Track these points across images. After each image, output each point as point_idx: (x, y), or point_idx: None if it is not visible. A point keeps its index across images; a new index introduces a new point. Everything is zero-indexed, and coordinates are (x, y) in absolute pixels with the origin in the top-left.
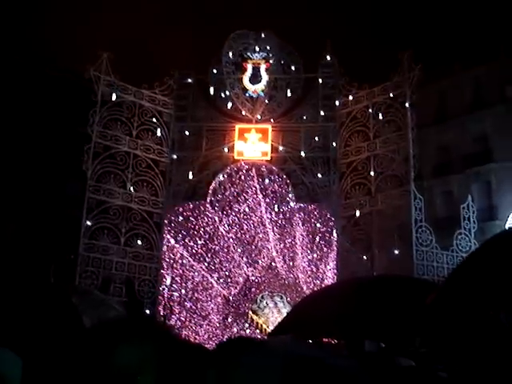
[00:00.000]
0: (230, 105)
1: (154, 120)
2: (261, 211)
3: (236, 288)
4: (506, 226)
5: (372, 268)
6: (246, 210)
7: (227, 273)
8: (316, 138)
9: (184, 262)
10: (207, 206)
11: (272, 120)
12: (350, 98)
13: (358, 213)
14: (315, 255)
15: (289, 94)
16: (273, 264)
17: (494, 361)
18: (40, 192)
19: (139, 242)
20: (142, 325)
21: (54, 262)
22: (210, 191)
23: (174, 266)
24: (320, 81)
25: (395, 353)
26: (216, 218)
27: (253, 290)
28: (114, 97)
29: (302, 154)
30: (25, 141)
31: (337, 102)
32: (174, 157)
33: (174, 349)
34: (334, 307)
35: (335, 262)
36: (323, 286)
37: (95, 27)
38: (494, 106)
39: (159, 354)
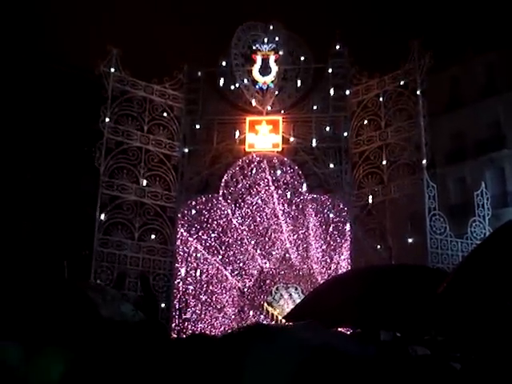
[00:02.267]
0: (240, 97)
1: (165, 114)
2: (273, 203)
3: (250, 280)
4: None
5: (386, 257)
6: (259, 202)
7: (241, 265)
8: (327, 128)
9: (198, 255)
10: (220, 198)
11: (282, 111)
12: (361, 87)
13: (370, 202)
14: (329, 245)
15: (299, 85)
16: (287, 255)
17: (504, 348)
18: (54, 189)
19: (153, 237)
20: (145, 327)
21: (68, 259)
22: (222, 184)
23: (189, 259)
24: (330, 71)
25: (411, 341)
26: (229, 211)
27: (267, 281)
28: (124, 92)
29: (314, 144)
30: (38, 138)
31: (347, 92)
32: (186, 151)
33: (172, 346)
34: (348, 296)
35: (349, 252)
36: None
37: (103, 22)
38: (506, 91)
39: (160, 351)
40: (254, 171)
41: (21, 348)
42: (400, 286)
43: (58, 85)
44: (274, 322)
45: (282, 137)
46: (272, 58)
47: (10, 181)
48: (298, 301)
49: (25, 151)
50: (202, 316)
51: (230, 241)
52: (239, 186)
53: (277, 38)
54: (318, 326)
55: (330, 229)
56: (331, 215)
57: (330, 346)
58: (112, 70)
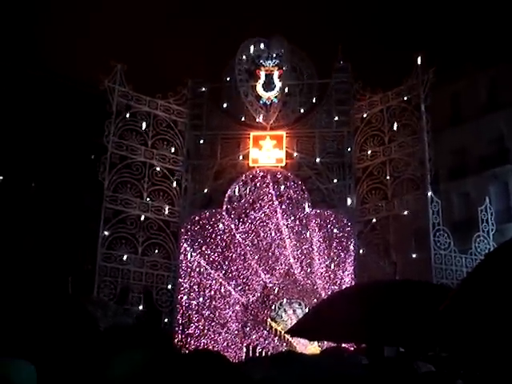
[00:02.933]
0: (244, 113)
1: (169, 129)
2: (277, 218)
3: (254, 295)
4: None
5: (390, 273)
6: (262, 217)
7: (245, 280)
8: (331, 144)
9: (201, 270)
10: (223, 213)
11: (286, 126)
12: (364, 102)
13: (374, 218)
14: (333, 261)
15: (302, 100)
16: (290, 270)
17: (508, 365)
18: (58, 203)
19: (156, 252)
20: (141, 334)
21: (72, 274)
22: (225, 199)
23: (192, 274)
24: (333, 86)
25: (415, 358)
26: (232, 226)
27: (271, 297)
28: (128, 107)
29: (317, 159)
30: (42, 152)
31: (351, 107)
32: (190, 165)
33: (169, 354)
34: (352, 311)
35: (353, 268)
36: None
37: (108, 38)
38: (509, 106)
39: (155, 359)
40: (257, 186)
41: (26, 364)
42: (404, 302)
43: (63, 99)
44: (277, 338)
45: (286, 152)
46: (276, 74)
47: (14, 194)
48: (301, 316)
49: (29, 165)
50: (205, 331)
51: (234, 256)
52: (243, 201)
53: (280, 54)
54: (335, 355)
55: (334, 244)
56: (335, 230)
57: (336, 370)
58: (116, 85)
